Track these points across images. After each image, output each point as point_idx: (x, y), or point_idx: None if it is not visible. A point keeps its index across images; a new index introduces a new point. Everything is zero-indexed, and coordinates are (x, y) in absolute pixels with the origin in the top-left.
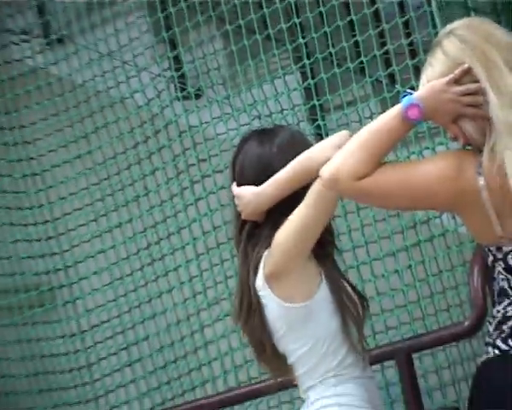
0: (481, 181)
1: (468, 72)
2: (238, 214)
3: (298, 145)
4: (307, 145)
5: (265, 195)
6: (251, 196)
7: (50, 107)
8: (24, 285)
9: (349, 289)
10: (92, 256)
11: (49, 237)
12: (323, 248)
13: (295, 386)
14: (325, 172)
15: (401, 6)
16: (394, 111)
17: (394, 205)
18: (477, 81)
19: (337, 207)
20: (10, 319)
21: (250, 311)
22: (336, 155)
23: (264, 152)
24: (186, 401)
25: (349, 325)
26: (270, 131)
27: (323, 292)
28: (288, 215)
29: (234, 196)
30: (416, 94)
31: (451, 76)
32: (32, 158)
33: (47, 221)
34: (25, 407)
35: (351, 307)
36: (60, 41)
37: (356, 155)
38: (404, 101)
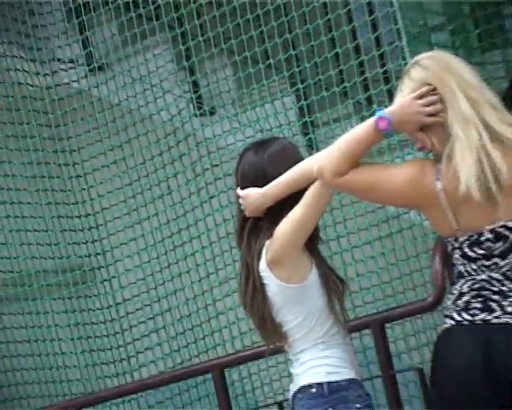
0: (439, 185)
1: (431, 90)
2: (240, 214)
3: (287, 153)
4: (296, 153)
5: (269, 195)
6: (256, 196)
7: (92, 122)
8: (70, 266)
9: (332, 273)
10: (125, 243)
11: (91, 227)
12: (312, 241)
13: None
14: (315, 168)
15: (377, 41)
16: (368, 122)
17: (372, 199)
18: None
19: None
20: (59, 293)
21: (255, 290)
22: (323, 155)
23: (257, 160)
24: (201, 361)
25: (333, 302)
26: (265, 143)
27: (313, 276)
28: (285, 211)
29: (238, 197)
30: (386, 109)
31: (417, 92)
32: (76, 163)
33: (88, 214)
34: (70, 364)
35: (335, 288)
36: (100, 68)
37: (336, 156)
38: (376, 114)
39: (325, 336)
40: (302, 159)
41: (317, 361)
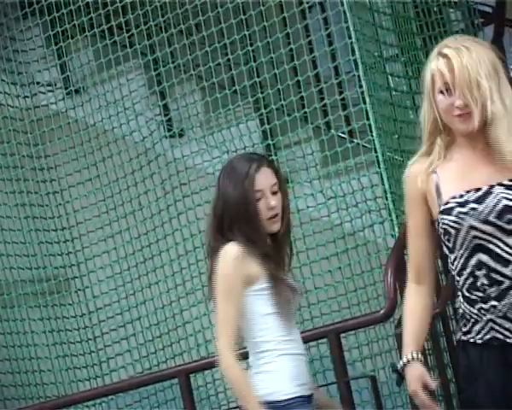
0: None
1: None
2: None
3: (234, 167)
4: (243, 164)
5: None
6: None
7: (68, 141)
8: (46, 276)
9: (287, 285)
10: (98, 255)
11: (66, 240)
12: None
13: None
14: None
15: (336, 70)
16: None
17: None
18: None
19: None
20: (36, 302)
21: None
22: None
23: (220, 176)
24: (168, 366)
25: (283, 310)
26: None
27: (260, 285)
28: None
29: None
30: None
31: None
32: (53, 180)
33: (64, 228)
34: (45, 368)
35: (284, 296)
36: (77, 91)
37: None
38: None
39: (275, 343)
40: (250, 167)
41: (261, 376)
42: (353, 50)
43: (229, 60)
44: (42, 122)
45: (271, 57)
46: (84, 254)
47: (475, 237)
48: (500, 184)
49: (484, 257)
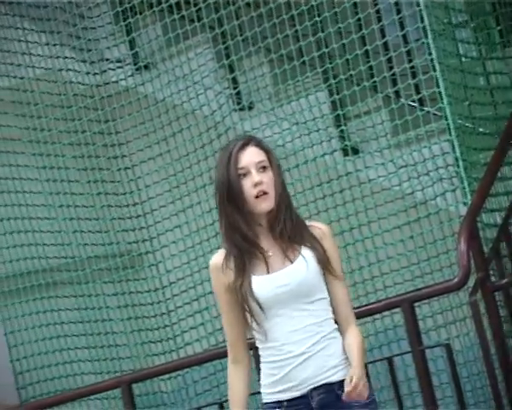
0: None
1: None
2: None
3: (220, 154)
4: (223, 155)
5: None
6: None
7: (138, 117)
8: (119, 252)
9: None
10: (170, 230)
11: (138, 216)
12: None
13: None
14: None
15: (404, 38)
16: None
17: None
18: None
19: None
20: (109, 277)
21: None
22: None
23: None
24: None
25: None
26: None
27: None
28: None
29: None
30: None
31: None
32: (124, 156)
33: (136, 203)
34: (121, 343)
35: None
36: (146, 67)
37: None
38: None
39: (259, 342)
40: (234, 146)
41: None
42: (422, 17)
43: (296, 31)
44: (112, 99)
45: (339, 27)
46: (157, 229)
47: None
48: None
49: None
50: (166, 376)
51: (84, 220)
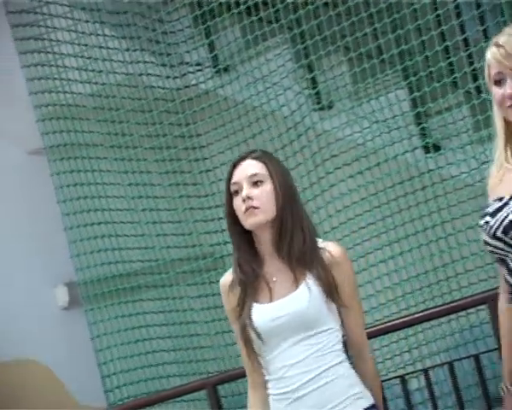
0: None
1: None
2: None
3: None
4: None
5: None
6: None
7: (219, 119)
8: (202, 254)
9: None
10: None
11: (220, 218)
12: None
13: None
14: None
15: (484, 33)
16: None
17: None
18: None
19: None
20: (193, 279)
21: None
22: None
23: None
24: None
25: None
26: None
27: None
28: None
29: None
30: None
31: None
32: (206, 158)
33: (218, 205)
34: (205, 345)
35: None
36: (225, 69)
37: None
38: None
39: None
40: (232, 163)
41: None
42: (502, 12)
43: (375, 29)
44: (192, 102)
45: (418, 24)
46: None
47: (491, 251)
48: None
49: (505, 271)
50: None
51: (167, 223)
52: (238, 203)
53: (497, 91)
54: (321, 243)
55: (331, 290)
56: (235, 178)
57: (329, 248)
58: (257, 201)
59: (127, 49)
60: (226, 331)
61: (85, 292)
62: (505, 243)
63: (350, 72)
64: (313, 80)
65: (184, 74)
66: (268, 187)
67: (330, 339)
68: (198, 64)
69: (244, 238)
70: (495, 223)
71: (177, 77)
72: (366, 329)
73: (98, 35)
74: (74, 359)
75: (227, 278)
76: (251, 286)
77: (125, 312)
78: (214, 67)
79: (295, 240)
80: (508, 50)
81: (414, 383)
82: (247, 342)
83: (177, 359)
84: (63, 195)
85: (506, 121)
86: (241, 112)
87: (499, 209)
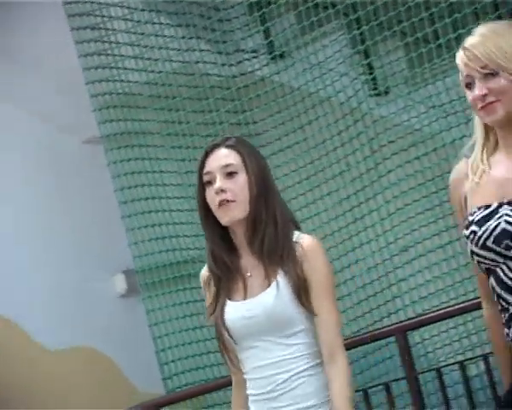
0: None
1: None
2: None
3: None
4: None
5: None
6: None
7: (274, 106)
8: None
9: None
10: (309, 218)
11: None
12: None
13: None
14: None
15: None
16: None
17: None
18: None
19: None
20: None
21: None
22: None
23: None
24: (384, 325)
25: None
26: None
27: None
28: None
29: None
30: None
31: None
32: (262, 146)
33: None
34: None
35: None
36: (281, 56)
37: None
38: None
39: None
40: (205, 150)
41: None
42: None
43: (432, 13)
44: (248, 89)
45: (475, 8)
46: (296, 218)
47: (479, 262)
48: (509, 203)
49: (493, 281)
50: None
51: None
52: (211, 195)
53: (468, 95)
54: (297, 236)
55: (299, 288)
56: (207, 168)
57: (301, 241)
58: (231, 193)
59: (183, 37)
60: None
61: (143, 280)
62: (497, 253)
63: (406, 57)
64: (369, 66)
65: (240, 62)
66: (242, 178)
67: (306, 340)
68: (253, 51)
69: (218, 231)
70: (483, 233)
71: (232, 64)
72: (431, 313)
73: (154, 23)
74: (132, 346)
75: (204, 272)
76: (226, 282)
77: (182, 299)
78: (270, 53)
79: (267, 236)
80: (474, 52)
81: (473, 370)
82: (223, 341)
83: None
84: (120, 183)
85: (484, 124)
86: (297, 98)
87: (487, 218)
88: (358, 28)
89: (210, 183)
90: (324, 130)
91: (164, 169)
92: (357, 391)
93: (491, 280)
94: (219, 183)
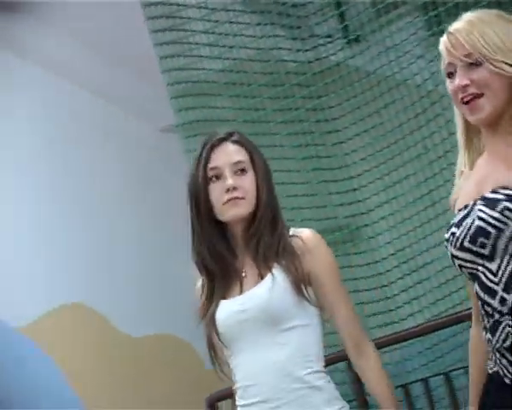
0: None
1: None
2: None
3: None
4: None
5: None
6: None
7: (350, 91)
8: (338, 226)
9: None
10: (386, 202)
11: (354, 189)
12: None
13: None
14: None
15: None
16: None
17: None
18: None
19: None
20: None
21: None
22: None
23: None
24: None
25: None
26: None
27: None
28: None
29: None
30: None
31: None
32: (338, 130)
33: (351, 177)
34: None
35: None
36: (356, 40)
37: None
38: None
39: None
40: (206, 144)
41: None
42: None
43: None
44: (323, 74)
45: None
46: (373, 202)
47: (461, 266)
48: (482, 198)
49: (477, 287)
50: (386, 348)
51: (302, 197)
52: (218, 192)
53: (449, 85)
54: (293, 230)
55: (299, 281)
56: (214, 163)
57: (301, 234)
58: (242, 191)
59: (258, 24)
60: (365, 302)
61: None
62: (474, 253)
63: None
64: None
65: (315, 47)
66: (251, 177)
67: (304, 339)
68: (328, 36)
69: (216, 229)
70: (461, 233)
71: (307, 50)
72: None
73: (228, 10)
74: None
75: (197, 286)
76: (221, 280)
77: None
78: (345, 37)
79: (265, 235)
80: (458, 38)
81: None
82: (213, 346)
83: None
84: None
85: (467, 122)
86: (373, 82)
87: (464, 218)
88: (434, 9)
89: (216, 178)
90: (401, 113)
91: None
92: (437, 375)
93: (476, 286)
94: (231, 180)
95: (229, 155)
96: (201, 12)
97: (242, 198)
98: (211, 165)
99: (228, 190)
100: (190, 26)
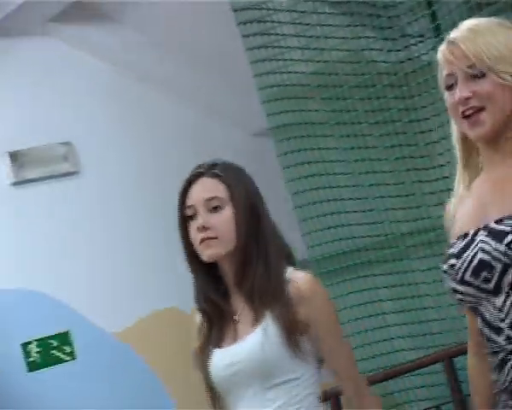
0: None
1: None
2: None
3: None
4: None
5: None
6: None
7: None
8: (432, 226)
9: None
10: None
11: (448, 189)
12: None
13: None
14: None
15: None
16: None
17: None
18: None
19: None
20: (423, 252)
21: None
22: None
23: None
24: None
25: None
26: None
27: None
28: None
29: None
30: None
31: None
32: (431, 130)
33: (445, 177)
34: (438, 317)
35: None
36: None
37: None
38: None
39: None
40: (186, 180)
41: None
42: None
43: None
44: (415, 74)
45: None
46: None
47: (461, 300)
48: (485, 228)
49: (480, 322)
50: None
51: (395, 197)
52: (193, 231)
53: (448, 98)
54: (290, 272)
55: (293, 334)
56: (189, 201)
57: (297, 280)
58: (214, 231)
59: (348, 26)
60: (452, 304)
61: (317, 269)
62: (476, 287)
63: None
64: None
65: (406, 46)
66: (228, 213)
67: (295, 392)
68: (420, 35)
69: (205, 269)
70: (462, 265)
71: (399, 50)
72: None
73: (319, 13)
74: None
75: (197, 320)
76: (217, 323)
77: (356, 287)
78: (436, 37)
79: (257, 278)
80: (461, 48)
81: None
82: (212, 395)
83: (409, 332)
84: (290, 174)
85: (465, 137)
86: None
87: (465, 248)
88: None
89: (192, 217)
90: None
91: (333, 158)
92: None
93: (479, 321)
94: (201, 219)
95: (203, 191)
96: (292, 15)
97: (215, 238)
98: (187, 203)
99: (199, 230)
100: (281, 30)
